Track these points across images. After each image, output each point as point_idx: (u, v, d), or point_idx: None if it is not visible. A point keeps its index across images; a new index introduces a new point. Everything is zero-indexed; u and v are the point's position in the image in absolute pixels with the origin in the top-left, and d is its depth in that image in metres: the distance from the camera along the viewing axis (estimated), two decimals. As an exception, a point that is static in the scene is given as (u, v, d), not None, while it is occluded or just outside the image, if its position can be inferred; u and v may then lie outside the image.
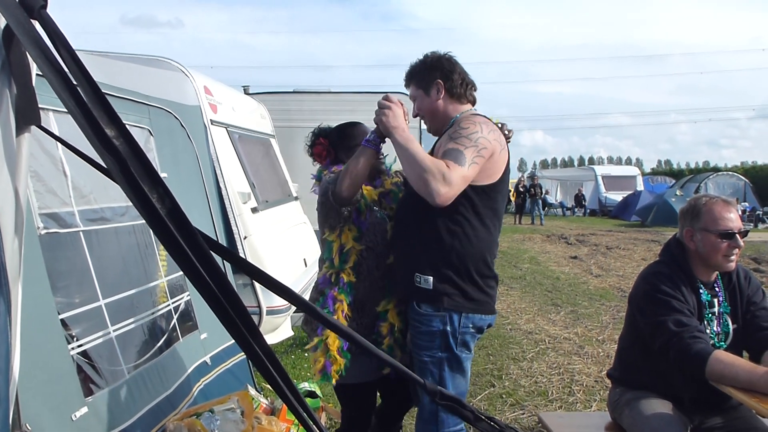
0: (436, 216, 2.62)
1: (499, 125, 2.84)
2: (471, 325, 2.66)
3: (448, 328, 2.63)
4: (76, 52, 1.05)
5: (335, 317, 2.82)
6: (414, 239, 2.73)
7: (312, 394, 4.24)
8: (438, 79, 2.79)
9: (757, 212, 23.47)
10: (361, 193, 2.87)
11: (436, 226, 2.63)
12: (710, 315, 2.76)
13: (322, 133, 3.18)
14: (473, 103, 2.90)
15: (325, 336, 2.82)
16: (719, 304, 2.79)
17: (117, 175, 0.99)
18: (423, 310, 2.66)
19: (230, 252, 1.41)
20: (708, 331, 2.73)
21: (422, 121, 2.94)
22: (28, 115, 1.18)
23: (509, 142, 2.89)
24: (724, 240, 2.67)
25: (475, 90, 2.90)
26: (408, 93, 2.95)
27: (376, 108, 2.72)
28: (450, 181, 2.41)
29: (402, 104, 2.73)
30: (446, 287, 2.62)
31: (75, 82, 1.02)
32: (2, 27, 1.08)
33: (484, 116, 2.77)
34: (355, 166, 2.71)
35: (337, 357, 2.79)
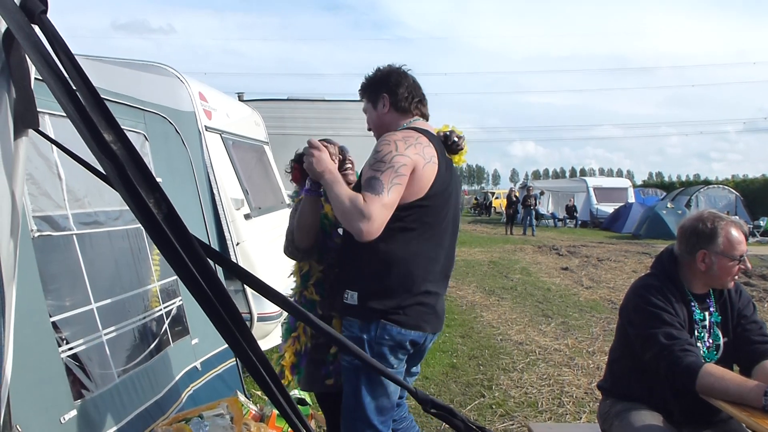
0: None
1: (446, 134, 2.83)
2: (387, 337, 2.60)
3: (365, 336, 2.60)
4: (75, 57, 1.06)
5: (297, 334, 2.97)
6: (345, 257, 2.76)
7: (302, 402, 4.24)
8: (384, 92, 2.81)
9: (748, 226, 23.59)
10: (324, 214, 2.92)
11: (363, 244, 2.55)
12: (701, 328, 2.77)
13: (298, 159, 3.15)
14: (424, 116, 2.89)
15: (284, 351, 2.97)
16: (710, 317, 2.80)
17: (114, 180, 0.99)
18: (349, 318, 2.68)
19: (225, 258, 1.41)
20: (698, 344, 2.74)
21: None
22: (26, 119, 1.18)
23: (458, 150, 2.84)
24: (736, 263, 2.69)
25: (424, 104, 2.89)
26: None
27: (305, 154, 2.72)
28: (369, 215, 2.39)
29: (328, 145, 2.73)
30: (369, 301, 2.60)
31: (74, 87, 1.03)
32: (2, 31, 1.09)
33: (419, 129, 2.72)
34: (302, 218, 2.79)
35: (288, 374, 2.94)
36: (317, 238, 2.89)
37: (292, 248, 2.91)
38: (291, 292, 3.05)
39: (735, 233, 2.70)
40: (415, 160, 2.54)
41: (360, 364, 2.61)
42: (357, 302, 2.62)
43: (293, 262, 3.07)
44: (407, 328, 2.61)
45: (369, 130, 2.93)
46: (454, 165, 2.88)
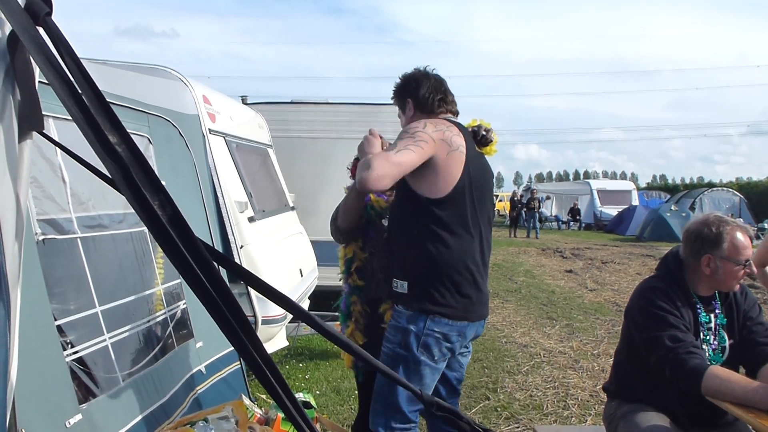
0: (410, 227, 2.78)
1: (474, 129, 2.93)
2: (436, 330, 2.70)
3: (413, 328, 2.70)
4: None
5: (354, 312, 3.28)
6: (394, 248, 2.92)
7: (307, 405, 4.23)
8: (407, 98, 2.95)
9: (753, 229, 23.54)
10: (371, 205, 3.19)
11: (409, 236, 2.78)
12: (706, 330, 2.76)
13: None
14: (453, 113, 2.98)
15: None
16: (716, 319, 2.79)
17: (119, 182, 0.99)
18: (398, 309, 2.80)
19: (230, 260, 1.41)
20: (704, 346, 2.73)
21: None
22: (31, 121, 1.18)
23: (488, 142, 2.94)
24: (741, 267, 2.68)
25: (448, 101, 2.97)
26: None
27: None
28: (372, 165, 2.47)
29: (383, 138, 2.99)
30: (418, 291, 2.73)
31: (79, 89, 1.03)
32: (7, 33, 1.09)
33: (450, 121, 2.83)
34: (346, 202, 3.15)
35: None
36: (358, 223, 3.21)
37: (333, 228, 3.28)
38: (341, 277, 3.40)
39: (740, 238, 2.69)
40: (439, 144, 2.64)
41: (402, 353, 2.74)
42: (406, 291, 2.76)
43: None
44: (454, 319, 2.72)
45: None
46: (486, 156, 2.99)
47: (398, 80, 3.01)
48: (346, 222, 3.16)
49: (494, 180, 3.08)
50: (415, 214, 2.74)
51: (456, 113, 2.99)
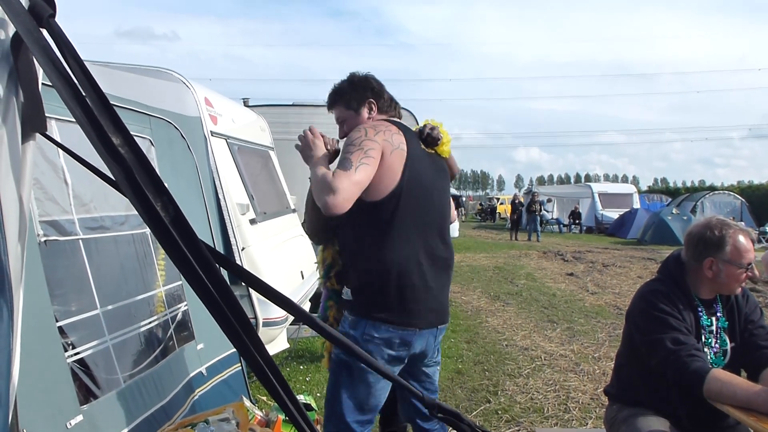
0: (353, 231, 2.75)
1: (420, 129, 2.90)
2: (376, 335, 2.62)
3: (354, 333, 2.65)
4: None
5: (329, 318, 3.05)
6: (344, 253, 2.89)
7: (308, 407, 4.23)
8: (370, 98, 2.88)
9: (755, 232, 23.51)
10: None
11: (353, 241, 2.76)
12: (708, 333, 2.76)
13: None
14: (399, 117, 2.98)
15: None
16: (717, 322, 2.79)
17: (122, 183, 0.99)
18: (345, 314, 2.77)
19: (231, 262, 1.41)
20: (706, 349, 2.73)
21: None
22: (34, 122, 1.18)
23: (436, 141, 2.86)
24: (744, 270, 2.69)
25: (398, 107, 3.00)
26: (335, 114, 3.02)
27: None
28: (336, 188, 2.43)
29: (325, 136, 2.92)
30: (360, 297, 2.69)
31: (82, 91, 1.03)
32: (11, 35, 1.09)
33: (390, 121, 2.81)
34: (308, 209, 3.03)
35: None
36: (324, 227, 3.01)
37: (306, 229, 3.22)
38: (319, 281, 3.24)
39: (743, 241, 2.69)
40: (383, 146, 2.61)
41: (345, 358, 2.68)
42: (351, 298, 2.71)
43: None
44: (395, 325, 2.63)
45: (342, 137, 2.93)
46: (441, 156, 2.93)
47: (345, 82, 2.95)
48: (310, 227, 3.10)
49: (448, 180, 2.96)
50: (358, 218, 2.65)
51: (400, 118, 2.98)
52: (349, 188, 2.46)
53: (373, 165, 2.56)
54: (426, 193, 2.74)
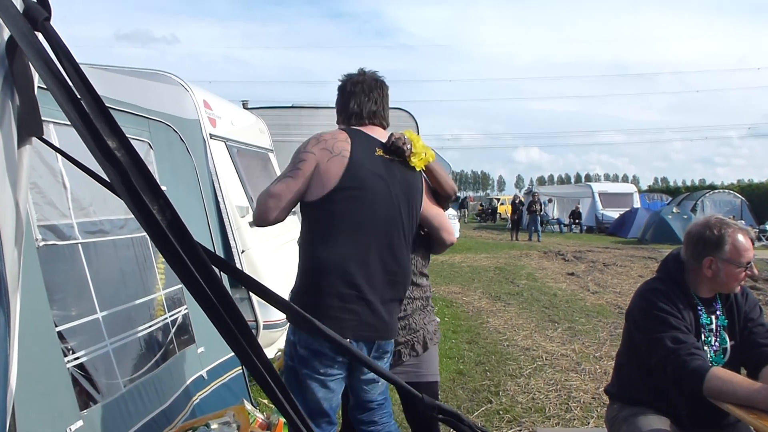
0: (298, 236, 2.80)
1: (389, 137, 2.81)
2: (311, 342, 2.55)
3: (293, 339, 2.63)
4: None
5: None
6: None
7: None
8: (337, 109, 2.98)
9: (755, 231, 23.49)
10: None
11: (297, 247, 2.77)
12: (708, 331, 2.76)
13: None
14: (383, 126, 2.92)
15: None
16: (717, 321, 2.79)
17: (118, 187, 0.99)
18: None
19: (230, 265, 1.40)
20: (706, 348, 2.72)
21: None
22: (30, 126, 1.18)
23: (396, 155, 2.75)
24: (743, 269, 2.68)
25: (379, 116, 2.90)
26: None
27: None
28: (257, 203, 2.69)
29: None
30: (298, 300, 2.60)
31: (78, 94, 1.03)
32: (6, 38, 1.09)
33: (351, 130, 2.77)
34: None
35: None
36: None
37: None
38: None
39: (742, 240, 2.69)
40: (319, 155, 2.61)
41: (289, 363, 2.65)
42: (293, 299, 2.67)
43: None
44: (312, 334, 2.53)
45: None
46: (415, 170, 2.83)
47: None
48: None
49: (414, 194, 2.74)
50: (303, 220, 2.70)
51: (382, 125, 2.90)
52: (262, 199, 2.67)
53: (299, 176, 2.61)
54: (369, 201, 2.62)
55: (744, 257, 2.68)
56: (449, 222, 3.10)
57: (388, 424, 2.94)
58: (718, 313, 2.80)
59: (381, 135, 2.82)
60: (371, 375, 2.77)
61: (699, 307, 2.76)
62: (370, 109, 2.83)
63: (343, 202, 2.58)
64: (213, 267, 1.05)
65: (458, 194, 3.04)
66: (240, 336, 1.04)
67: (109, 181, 1.01)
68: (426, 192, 2.96)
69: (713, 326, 2.78)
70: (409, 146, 2.77)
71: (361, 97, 2.83)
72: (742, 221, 24.36)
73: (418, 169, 2.85)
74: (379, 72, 2.93)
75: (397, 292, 2.76)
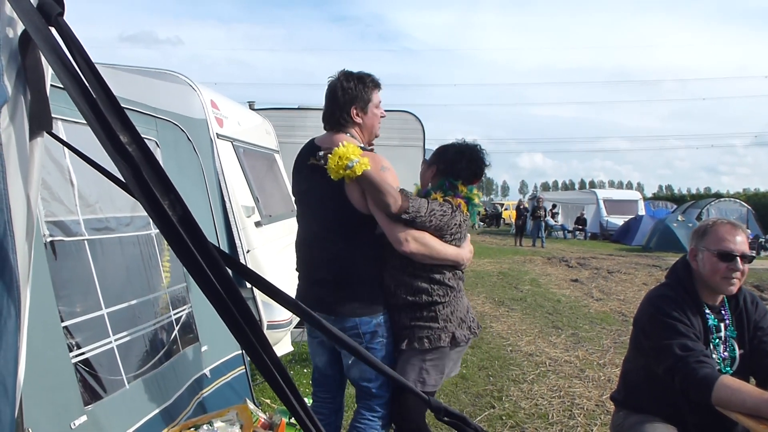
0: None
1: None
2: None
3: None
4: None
5: None
6: None
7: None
8: None
9: (760, 239, 23.37)
10: None
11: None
12: (717, 340, 2.74)
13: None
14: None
15: None
16: (726, 329, 2.77)
17: (130, 181, 0.99)
18: None
19: (237, 261, 1.40)
20: (714, 356, 2.70)
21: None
22: (41, 121, 1.18)
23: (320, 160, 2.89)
24: (724, 261, 2.67)
25: (337, 124, 3.10)
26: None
27: None
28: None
29: None
30: None
31: (91, 89, 1.03)
32: (19, 33, 1.09)
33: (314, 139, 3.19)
34: None
35: None
36: None
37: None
38: None
39: (723, 230, 2.70)
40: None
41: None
42: None
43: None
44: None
45: None
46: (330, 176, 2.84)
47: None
48: None
49: (335, 193, 2.74)
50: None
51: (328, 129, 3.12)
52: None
53: None
54: (300, 196, 3.20)
55: (720, 245, 2.67)
56: (396, 230, 2.92)
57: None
58: (726, 321, 2.78)
59: (328, 141, 3.05)
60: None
61: (708, 315, 2.75)
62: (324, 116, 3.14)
63: (296, 198, 3.32)
64: (222, 263, 1.05)
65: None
66: (249, 331, 1.04)
67: (117, 177, 1.02)
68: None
69: (722, 334, 2.76)
70: (323, 161, 2.87)
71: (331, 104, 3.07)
72: (748, 230, 24.23)
73: (335, 179, 2.85)
74: (375, 75, 3.10)
75: (319, 270, 3.11)
